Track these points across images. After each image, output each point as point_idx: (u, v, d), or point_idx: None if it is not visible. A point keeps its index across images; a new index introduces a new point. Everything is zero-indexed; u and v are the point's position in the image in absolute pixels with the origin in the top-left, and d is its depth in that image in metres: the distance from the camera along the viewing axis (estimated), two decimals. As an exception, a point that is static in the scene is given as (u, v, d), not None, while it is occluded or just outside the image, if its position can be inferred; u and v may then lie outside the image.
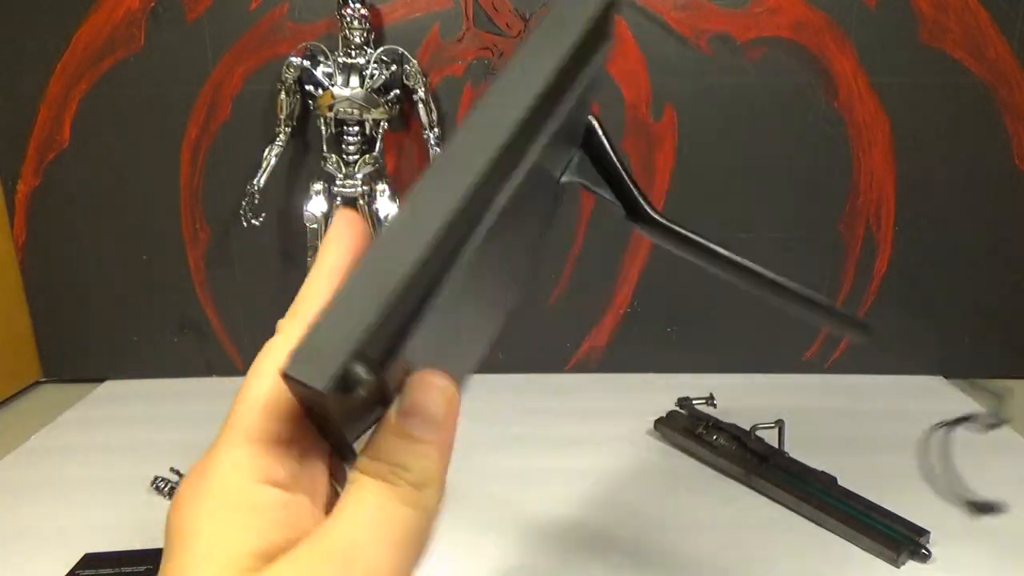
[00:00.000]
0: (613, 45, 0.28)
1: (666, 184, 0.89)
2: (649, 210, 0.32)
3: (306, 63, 0.81)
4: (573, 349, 0.96)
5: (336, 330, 0.18)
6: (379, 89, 0.81)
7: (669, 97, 0.87)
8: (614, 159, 0.31)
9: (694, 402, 0.79)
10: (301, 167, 0.89)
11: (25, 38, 0.85)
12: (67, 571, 0.56)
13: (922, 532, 0.59)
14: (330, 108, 0.80)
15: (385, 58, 0.82)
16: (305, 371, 0.18)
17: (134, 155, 0.89)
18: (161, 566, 0.18)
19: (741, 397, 0.84)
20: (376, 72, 0.81)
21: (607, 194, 0.31)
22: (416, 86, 0.82)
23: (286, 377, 0.18)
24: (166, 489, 0.67)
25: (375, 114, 0.81)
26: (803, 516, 0.63)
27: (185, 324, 0.95)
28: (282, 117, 0.83)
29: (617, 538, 0.60)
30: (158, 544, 0.59)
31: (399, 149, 0.89)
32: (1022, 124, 0.86)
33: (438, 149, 0.84)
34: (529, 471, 0.70)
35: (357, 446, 0.22)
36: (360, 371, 0.18)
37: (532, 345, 0.94)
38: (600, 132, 0.31)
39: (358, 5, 0.79)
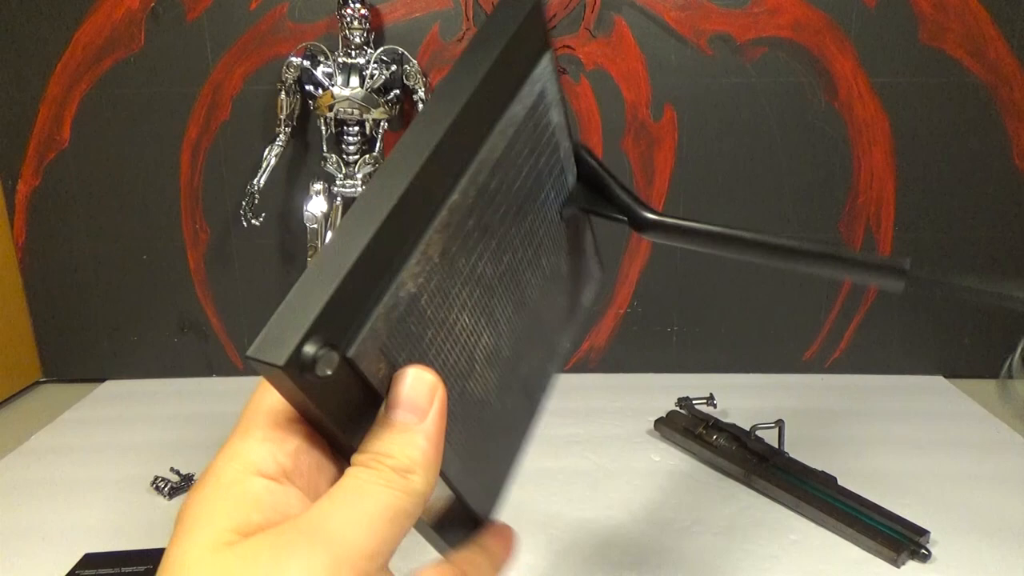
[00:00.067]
0: (553, 52, 0.30)
1: (666, 184, 0.89)
2: (652, 215, 0.33)
3: (306, 63, 0.81)
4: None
5: (291, 316, 0.20)
6: (379, 89, 0.81)
7: (669, 97, 0.87)
8: (608, 179, 0.33)
9: (694, 402, 0.79)
10: (301, 167, 0.89)
11: (25, 38, 0.85)
12: (67, 571, 0.56)
13: (922, 532, 0.59)
14: (330, 108, 0.80)
15: (385, 58, 0.82)
16: (264, 351, 0.19)
17: (134, 155, 0.89)
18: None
19: (741, 397, 0.84)
20: (376, 72, 0.81)
21: (611, 212, 0.33)
22: (416, 86, 0.82)
23: (249, 359, 0.20)
24: (166, 489, 0.67)
25: (375, 114, 0.81)
26: (803, 516, 0.63)
27: (185, 324, 0.95)
28: (282, 117, 0.83)
29: (617, 538, 0.60)
30: (158, 544, 0.59)
31: (399, 149, 0.89)
32: (1022, 124, 0.86)
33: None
34: (529, 471, 0.70)
35: None
36: (316, 349, 0.19)
37: (532, 345, 0.94)
38: (588, 157, 0.33)
39: (358, 5, 0.79)
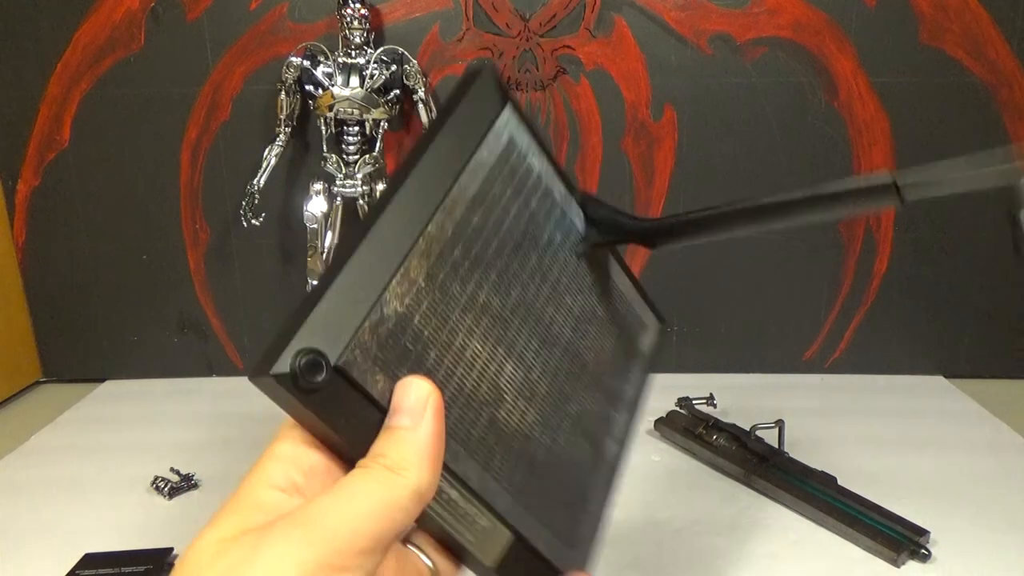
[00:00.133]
0: (514, 105, 0.33)
1: (666, 184, 0.89)
2: (652, 224, 0.33)
3: (306, 63, 0.81)
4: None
5: (282, 337, 0.22)
6: (379, 89, 0.81)
7: (669, 97, 0.87)
8: (612, 214, 0.34)
9: (694, 402, 0.79)
10: (301, 167, 0.89)
11: (25, 38, 0.85)
12: (67, 571, 0.56)
13: (922, 532, 0.59)
14: (330, 108, 0.80)
15: (385, 58, 0.82)
16: (260, 369, 0.22)
17: (134, 155, 0.89)
18: None
19: (741, 397, 0.84)
20: (376, 72, 0.81)
21: (624, 240, 0.35)
22: (416, 86, 0.82)
23: (251, 379, 0.22)
24: (166, 489, 0.67)
25: (375, 114, 0.81)
26: (803, 516, 0.63)
27: (185, 324, 0.95)
28: (282, 117, 0.83)
29: (617, 538, 0.60)
30: (158, 544, 0.59)
31: (399, 149, 0.89)
32: (1022, 124, 0.86)
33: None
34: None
35: None
36: (304, 359, 0.22)
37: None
38: (591, 199, 0.35)
39: (358, 5, 0.79)
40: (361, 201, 0.83)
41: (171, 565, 0.57)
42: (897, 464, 0.72)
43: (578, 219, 0.35)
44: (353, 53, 0.81)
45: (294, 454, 0.24)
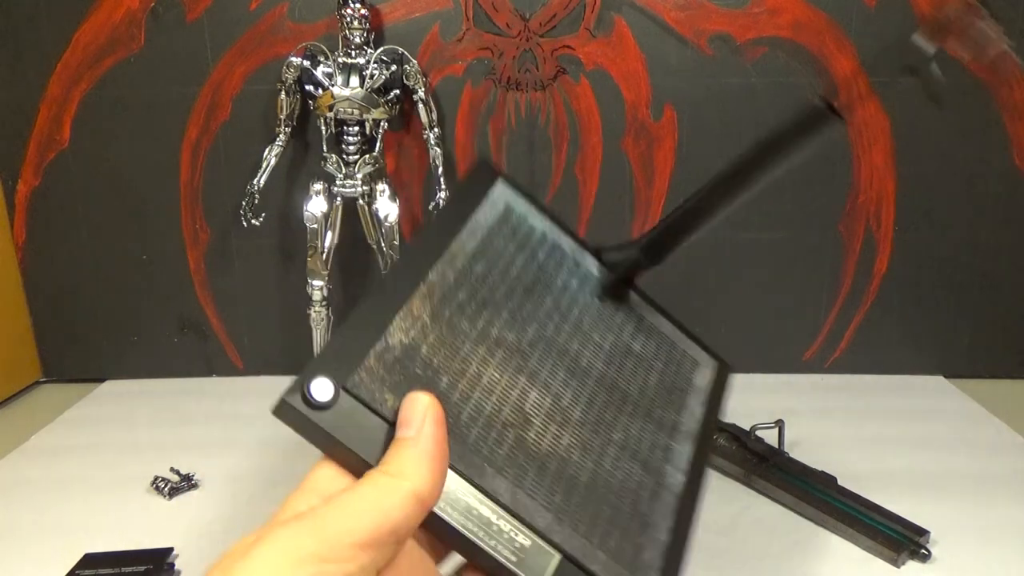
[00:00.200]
0: (505, 179, 0.37)
1: (666, 184, 0.89)
2: (649, 241, 0.35)
3: (306, 63, 0.81)
4: (573, 349, 0.96)
5: (298, 377, 0.26)
6: (379, 89, 0.81)
7: (669, 97, 0.87)
8: (622, 252, 0.37)
9: (694, 402, 0.79)
10: (301, 167, 0.89)
11: (25, 38, 0.85)
12: (67, 571, 0.56)
13: (922, 532, 0.59)
14: (330, 108, 0.80)
15: (385, 58, 0.82)
16: (280, 400, 0.25)
17: (134, 155, 0.89)
18: None
19: (741, 397, 0.84)
20: (376, 72, 0.81)
21: (633, 269, 0.36)
22: (416, 86, 0.82)
23: (274, 413, 0.25)
24: (166, 489, 0.67)
25: (375, 114, 0.81)
26: (803, 516, 0.63)
27: (185, 324, 0.95)
28: (282, 117, 0.83)
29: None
30: (158, 544, 0.59)
31: (399, 149, 0.89)
32: (1022, 124, 0.86)
33: (438, 149, 0.84)
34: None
35: None
36: (315, 383, 0.25)
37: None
38: (605, 248, 0.38)
39: (358, 5, 0.79)
40: (361, 201, 0.83)
41: (171, 565, 0.57)
42: (897, 464, 0.72)
43: (595, 268, 0.37)
44: (353, 53, 0.81)
45: (320, 484, 0.25)
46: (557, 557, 0.27)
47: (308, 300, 0.85)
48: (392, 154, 0.89)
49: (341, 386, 0.26)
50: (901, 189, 0.89)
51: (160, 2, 0.84)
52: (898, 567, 0.57)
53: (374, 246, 0.85)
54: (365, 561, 0.22)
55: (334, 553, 0.22)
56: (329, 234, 0.83)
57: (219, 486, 0.69)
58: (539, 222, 0.37)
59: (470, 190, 0.36)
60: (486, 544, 0.26)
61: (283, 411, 0.25)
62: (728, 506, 0.65)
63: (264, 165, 0.83)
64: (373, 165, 0.83)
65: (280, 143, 0.84)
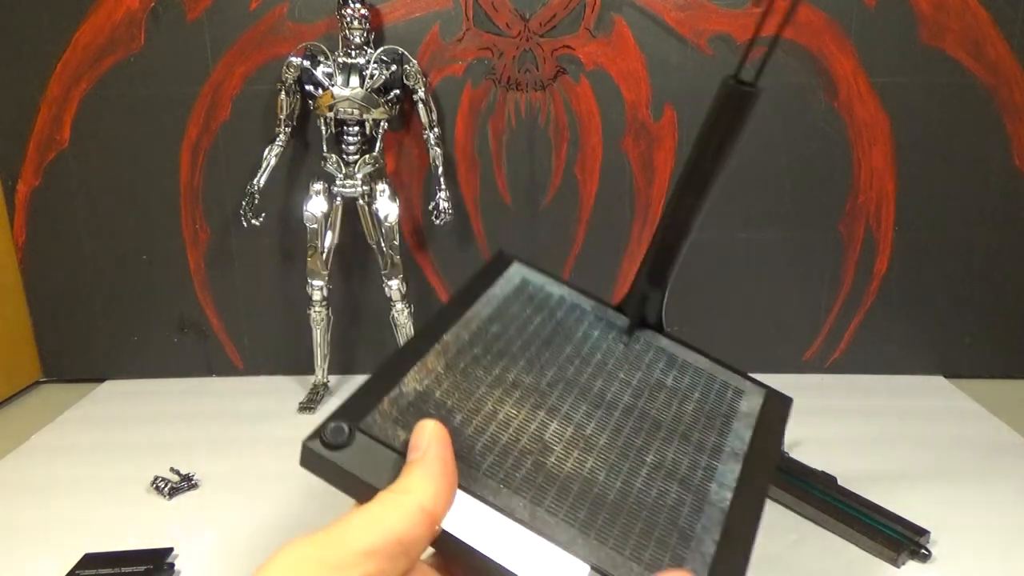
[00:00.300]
0: (520, 261, 0.39)
1: (666, 184, 0.89)
2: (649, 269, 0.36)
3: (306, 63, 0.81)
4: (573, 349, 0.96)
5: (320, 425, 0.28)
6: (379, 89, 0.81)
7: (669, 97, 0.87)
8: (632, 295, 0.38)
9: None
10: (301, 167, 0.89)
11: (25, 38, 0.85)
12: (67, 571, 0.56)
13: (922, 532, 0.59)
14: (330, 108, 0.80)
15: (385, 58, 0.82)
16: (303, 446, 0.27)
17: (134, 155, 0.89)
18: None
19: (741, 397, 0.84)
20: (376, 72, 0.81)
21: (649, 303, 0.37)
22: (416, 86, 0.82)
23: (301, 464, 0.28)
24: (166, 489, 0.67)
25: (375, 114, 0.81)
26: (803, 516, 0.63)
27: (185, 324, 0.95)
28: (282, 117, 0.83)
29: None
30: (158, 544, 0.59)
31: (399, 149, 0.89)
32: (1022, 124, 0.86)
33: (438, 149, 0.84)
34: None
35: None
36: (332, 427, 0.28)
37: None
38: (626, 300, 0.38)
39: (358, 5, 0.79)
40: (361, 201, 0.83)
41: (171, 565, 0.57)
42: (897, 464, 0.72)
43: (618, 320, 0.38)
44: (353, 53, 0.81)
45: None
46: (586, 569, 0.26)
47: (308, 300, 0.85)
48: (392, 154, 0.89)
49: (355, 427, 0.28)
50: (901, 189, 0.89)
51: (160, 2, 0.84)
52: (898, 567, 0.57)
53: (374, 246, 0.85)
54: (371, 569, 0.23)
55: (338, 558, 0.22)
56: (329, 234, 0.83)
57: (219, 486, 0.69)
58: (557, 289, 0.39)
59: (486, 272, 0.38)
60: (506, 562, 0.26)
61: (305, 457, 0.27)
62: (728, 506, 0.65)
63: (264, 165, 0.83)
64: (373, 165, 0.83)
65: (280, 143, 0.84)
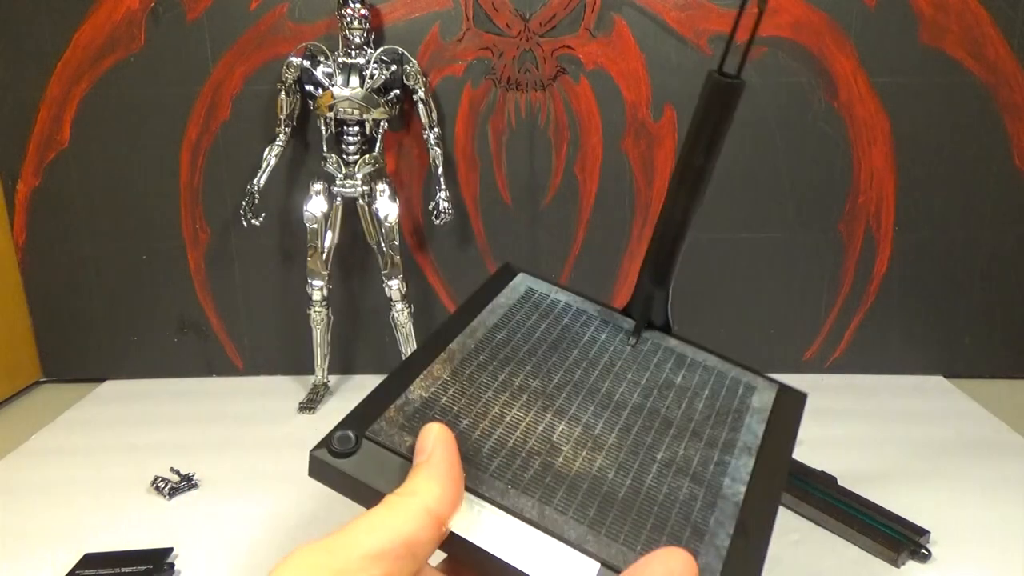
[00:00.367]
0: (525, 272, 0.40)
1: (666, 184, 0.89)
2: (650, 271, 0.37)
3: (306, 63, 0.81)
4: (573, 349, 0.96)
5: (327, 435, 0.28)
6: (379, 89, 0.81)
7: (669, 97, 0.87)
8: (636, 297, 0.38)
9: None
10: (301, 167, 0.89)
11: (25, 38, 0.85)
12: (67, 571, 0.56)
13: (922, 532, 0.59)
14: (330, 108, 0.80)
15: (385, 58, 0.82)
16: (311, 456, 0.28)
17: (134, 155, 0.89)
18: None
19: (741, 397, 0.84)
20: (376, 72, 0.81)
21: (654, 302, 0.38)
22: (416, 86, 0.82)
23: (310, 475, 0.28)
24: (166, 489, 0.67)
25: (375, 114, 0.81)
26: (803, 516, 0.63)
27: (185, 324, 0.95)
28: (282, 117, 0.83)
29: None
30: (158, 544, 0.59)
31: (399, 149, 0.89)
32: (1022, 124, 0.86)
33: (438, 149, 0.84)
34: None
35: None
36: (339, 436, 0.28)
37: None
38: (631, 304, 0.39)
39: (358, 5, 0.79)
40: (361, 201, 0.83)
41: (171, 565, 0.57)
42: (897, 464, 0.72)
43: (625, 323, 0.38)
44: (353, 53, 0.81)
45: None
46: (597, 566, 0.26)
47: (308, 300, 0.85)
48: (392, 154, 0.89)
49: (362, 434, 0.28)
50: (901, 189, 0.89)
51: (160, 2, 0.84)
52: (898, 567, 0.57)
53: (374, 246, 0.85)
54: (378, 573, 0.22)
55: (347, 565, 0.22)
56: (329, 234, 0.83)
57: (219, 486, 0.69)
58: (563, 296, 0.39)
59: (492, 283, 0.38)
60: (515, 562, 0.26)
61: (314, 467, 0.28)
62: (728, 506, 0.65)
63: (264, 165, 0.83)
64: (373, 165, 0.83)
65: (280, 143, 0.84)
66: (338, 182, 0.82)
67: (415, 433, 0.28)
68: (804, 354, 0.95)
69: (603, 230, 0.91)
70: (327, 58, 0.81)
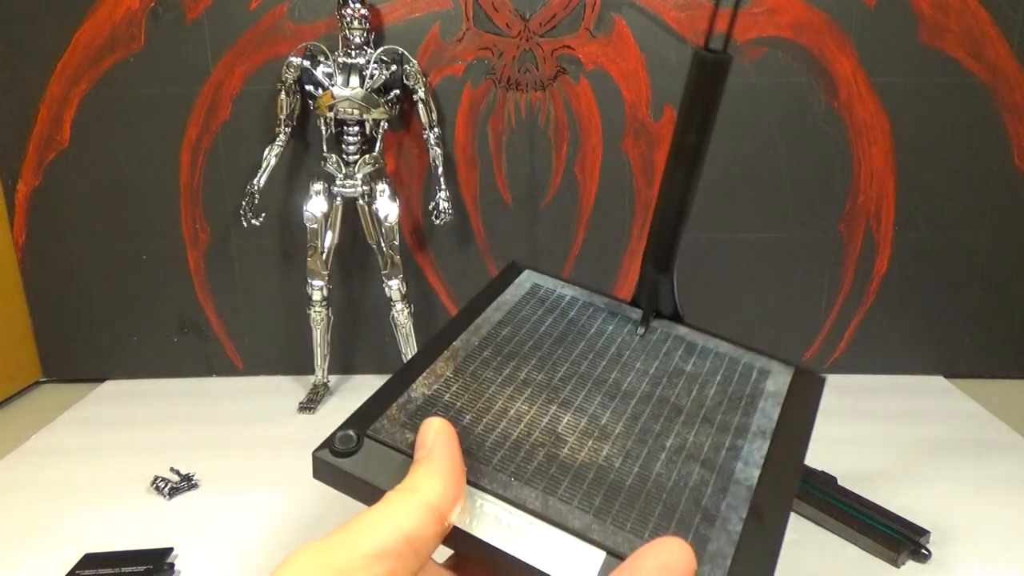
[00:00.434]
0: (533, 270, 0.40)
1: (666, 184, 0.89)
2: (652, 254, 0.36)
3: (306, 63, 0.81)
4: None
5: (330, 435, 0.29)
6: (379, 89, 0.81)
7: (669, 97, 0.87)
8: (641, 285, 0.38)
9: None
10: (301, 167, 0.89)
11: (25, 38, 0.85)
12: (67, 571, 0.56)
13: (922, 532, 0.59)
14: (330, 108, 0.80)
15: (385, 58, 0.82)
16: (313, 457, 0.28)
17: (134, 155, 0.89)
18: None
19: (741, 397, 0.84)
20: (376, 72, 0.81)
21: (659, 290, 0.38)
22: (416, 86, 0.82)
23: (314, 477, 0.28)
24: (166, 489, 0.67)
25: (375, 114, 0.81)
26: (803, 516, 0.63)
27: (185, 324, 0.95)
28: (282, 117, 0.83)
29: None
30: (158, 544, 0.59)
31: (399, 149, 0.89)
32: (1022, 124, 0.86)
33: (438, 149, 0.84)
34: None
35: None
36: (341, 436, 0.28)
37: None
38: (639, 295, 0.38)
39: (358, 5, 0.79)
40: (361, 201, 0.83)
41: (171, 565, 0.57)
42: (897, 464, 0.72)
43: (633, 313, 0.38)
44: (353, 53, 0.81)
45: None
46: (602, 555, 0.26)
47: (308, 300, 0.85)
48: (392, 154, 0.89)
49: (363, 433, 0.28)
50: (901, 189, 0.89)
51: (160, 2, 0.84)
52: (898, 567, 0.57)
53: (374, 246, 0.85)
54: (381, 571, 0.22)
55: (349, 564, 0.22)
56: (329, 234, 0.83)
57: (219, 486, 0.69)
58: (570, 290, 0.39)
59: (498, 281, 0.39)
60: (520, 554, 0.25)
61: (317, 468, 0.28)
62: (728, 506, 0.65)
63: (264, 165, 0.83)
64: (373, 165, 0.83)
65: (280, 143, 0.84)
66: (338, 182, 0.82)
67: (417, 430, 0.28)
68: (804, 354, 0.95)
69: (603, 230, 0.91)
70: (327, 58, 0.81)
